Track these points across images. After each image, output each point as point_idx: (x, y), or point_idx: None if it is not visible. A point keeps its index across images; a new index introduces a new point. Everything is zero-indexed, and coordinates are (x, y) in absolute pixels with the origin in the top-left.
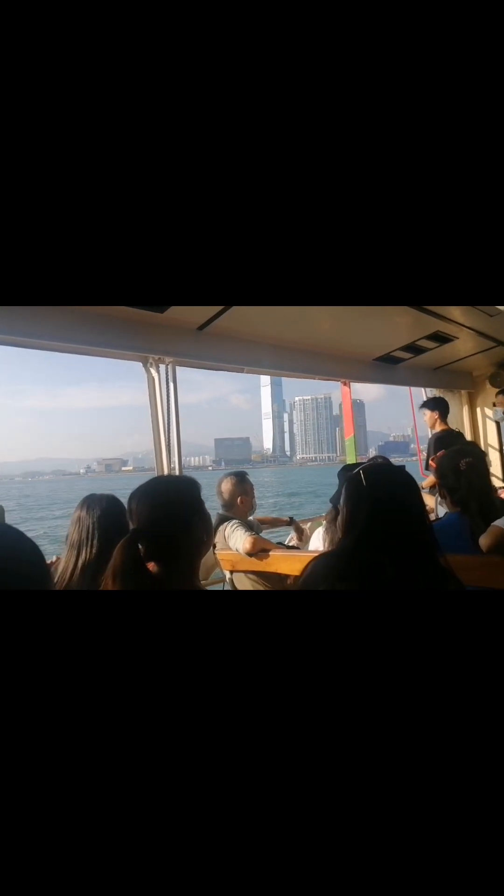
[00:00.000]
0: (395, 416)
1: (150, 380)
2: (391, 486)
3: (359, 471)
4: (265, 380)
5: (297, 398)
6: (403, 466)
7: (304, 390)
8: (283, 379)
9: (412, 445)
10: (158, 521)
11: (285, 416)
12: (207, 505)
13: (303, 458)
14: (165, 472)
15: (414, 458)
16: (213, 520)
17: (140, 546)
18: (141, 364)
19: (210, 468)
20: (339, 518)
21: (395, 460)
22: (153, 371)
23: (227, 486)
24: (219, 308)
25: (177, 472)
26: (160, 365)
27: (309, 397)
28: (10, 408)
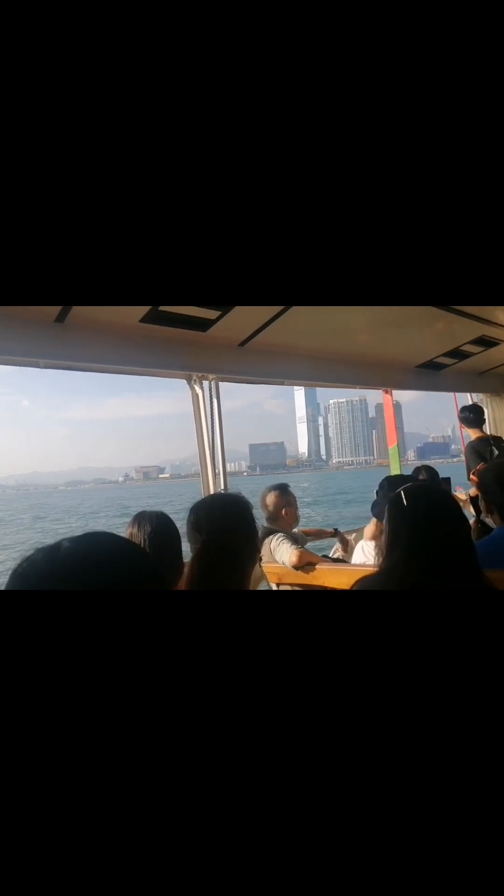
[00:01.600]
0: (434, 417)
1: (195, 396)
2: (432, 509)
3: (400, 491)
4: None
5: (331, 401)
6: (446, 489)
7: (338, 393)
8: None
9: (453, 446)
10: (224, 534)
11: (320, 420)
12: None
13: (339, 461)
14: (211, 481)
15: (455, 460)
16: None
17: (212, 556)
18: (185, 381)
19: (245, 473)
20: (383, 537)
21: (436, 462)
22: (197, 387)
23: (271, 498)
24: (260, 324)
25: (221, 482)
26: (203, 381)
27: (343, 400)
28: (53, 419)
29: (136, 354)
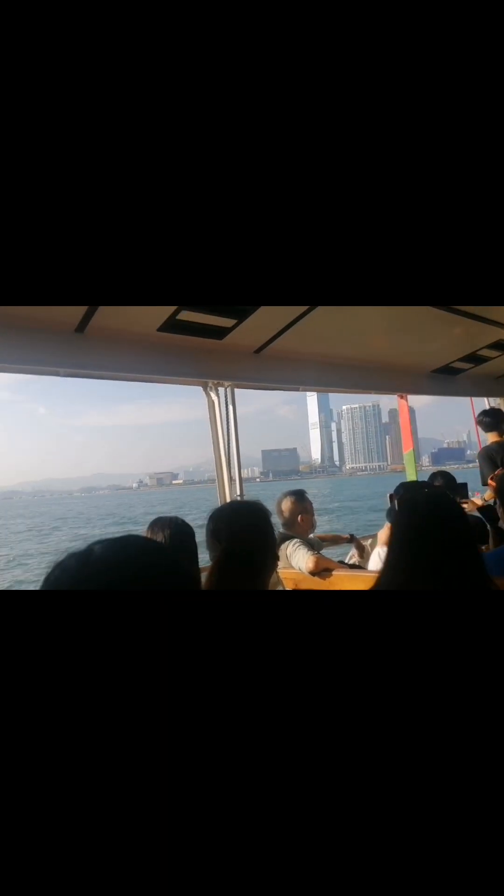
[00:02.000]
0: (449, 422)
1: (211, 402)
2: (433, 514)
3: (403, 498)
4: None
5: (344, 407)
6: (450, 495)
7: (351, 399)
8: None
9: (468, 452)
10: (244, 540)
11: (333, 426)
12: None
13: (352, 467)
14: (227, 487)
15: (471, 465)
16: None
17: (233, 564)
18: (201, 388)
19: (258, 479)
20: (390, 543)
21: (451, 468)
22: (213, 394)
23: (287, 504)
24: (275, 331)
25: (237, 488)
26: (219, 388)
27: (357, 406)
28: (69, 426)
29: (154, 362)
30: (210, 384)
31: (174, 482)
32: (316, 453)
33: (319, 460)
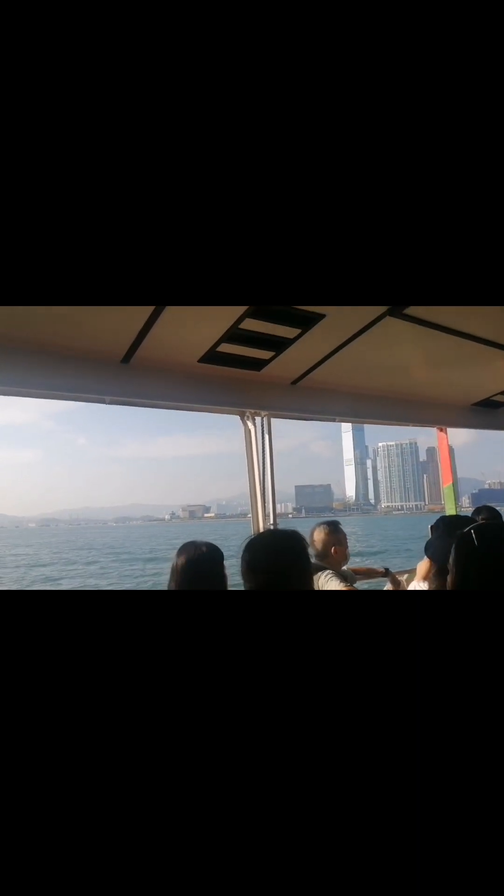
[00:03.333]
0: (490, 462)
1: (247, 432)
2: (494, 548)
3: (470, 530)
4: (346, 426)
5: (380, 444)
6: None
7: (387, 435)
8: (366, 425)
9: None
10: (280, 573)
11: (368, 463)
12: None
13: (388, 506)
14: (261, 519)
15: None
16: None
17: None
18: (238, 417)
19: (291, 515)
20: (450, 578)
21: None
22: (249, 424)
23: (320, 535)
24: (313, 362)
25: (271, 519)
26: (256, 418)
27: (393, 443)
28: (106, 456)
29: (195, 392)
30: (247, 414)
31: (206, 515)
32: (350, 490)
33: (354, 497)
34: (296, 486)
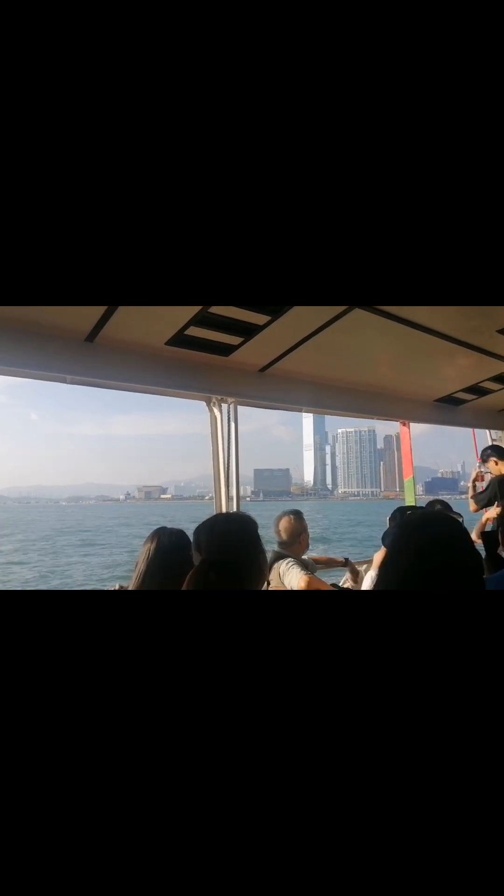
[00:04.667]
0: (444, 452)
1: (213, 418)
2: (439, 540)
3: (409, 517)
4: None
5: (339, 430)
6: (456, 516)
7: (346, 422)
8: None
9: (462, 483)
10: (226, 553)
11: (327, 448)
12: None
13: (345, 492)
14: (224, 504)
15: (463, 496)
16: (269, 556)
17: (210, 575)
18: (204, 403)
19: (248, 499)
20: (384, 564)
21: (445, 497)
22: (216, 410)
23: (286, 523)
24: (281, 351)
25: (234, 504)
26: (222, 404)
27: (352, 429)
28: (62, 433)
29: (161, 375)
30: (214, 400)
31: (163, 496)
32: (309, 475)
33: (312, 482)
34: (255, 470)
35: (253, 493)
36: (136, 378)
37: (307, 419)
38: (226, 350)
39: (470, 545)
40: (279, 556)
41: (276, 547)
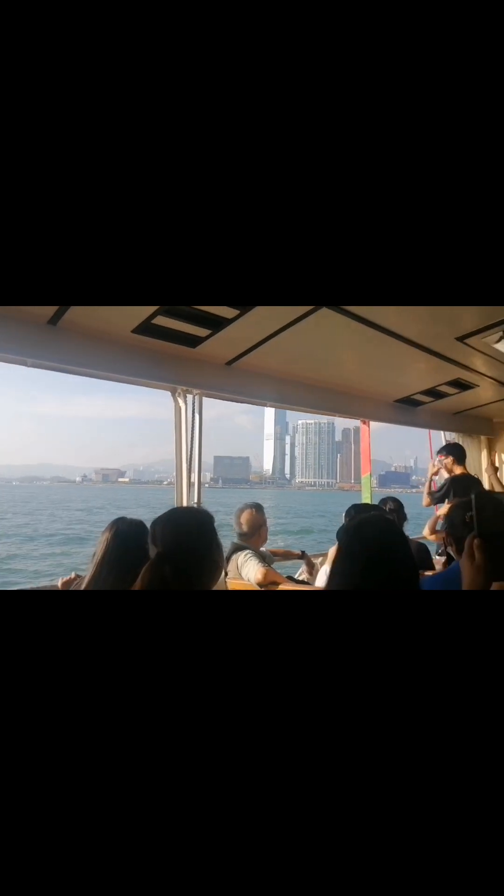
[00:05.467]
0: (398, 447)
1: (178, 408)
2: (381, 542)
3: (353, 520)
4: None
5: (300, 421)
6: (392, 519)
7: (308, 414)
8: None
9: (413, 477)
10: (181, 547)
11: (287, 439)
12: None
13: (301, 482)
14: (185, 491)
15: (414, 490)
16: (227, 548)
17: (165, 568)
18: (169, 392)
19: (207, 485)
20: (336, 560)
21: (396, 491)
22: (181, 400)
23: (247, 516)
24: (248, 346)
25: (196, 493)
26: (188, 395)
27: (312, 421)
28: (22, 412)
29: (126, 364)
30: (179, 390)
31: (120, 479)
32: (268, 464)
33: (270, 471)
34: (215, 457)
35: (212, 479)
36: (101, 365)
37: (269, 409)
38: (193, 342)
39: (406, 551)
40: (238, 548)
41: (235, 538)
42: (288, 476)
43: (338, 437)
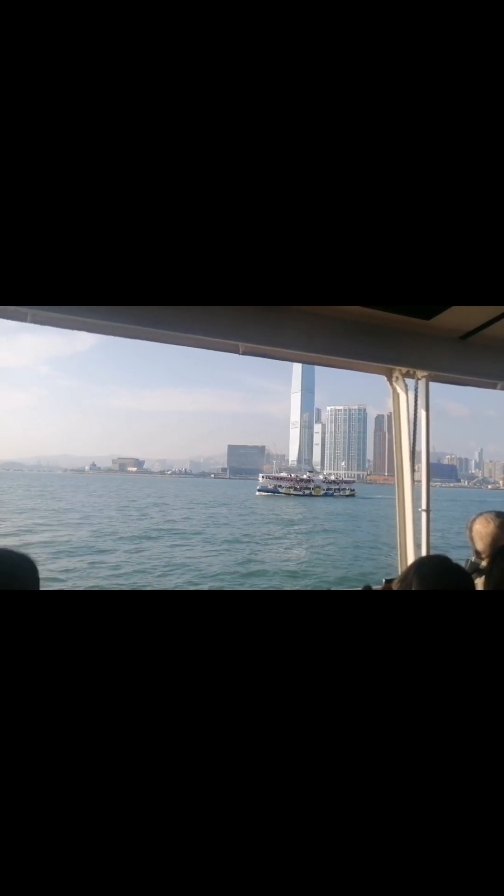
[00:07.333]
0: (462, 438)
1: (395, 395)
2: None
3: None
4: (296, 386)
5: (329, 408)
6: None
7: (337, 400)
8: (317, 387)
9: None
10: None
11: (316, 427)
12: None
13: (328, 473)
14: (407, 480)
15: (453, 485)
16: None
17: None
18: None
19: (213, 476)
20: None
21: (436, 484)
22: (398, 387)
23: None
24: (499, 312)
25: (423, 482)
26: (407, 379)
27: (342, 407)
28: (95, 406)
29: (337, 343)
30: (396, 373)
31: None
32: (293, 454)
33: (296, 462)
34: (229, 446)
35: (222, 469)
36: (320, 347)
37: (295, 395)
38: (427, 312)
39: None
40: (475, 568)
41: (472, 556)
42: (318, 467)
43: (371, 425)
